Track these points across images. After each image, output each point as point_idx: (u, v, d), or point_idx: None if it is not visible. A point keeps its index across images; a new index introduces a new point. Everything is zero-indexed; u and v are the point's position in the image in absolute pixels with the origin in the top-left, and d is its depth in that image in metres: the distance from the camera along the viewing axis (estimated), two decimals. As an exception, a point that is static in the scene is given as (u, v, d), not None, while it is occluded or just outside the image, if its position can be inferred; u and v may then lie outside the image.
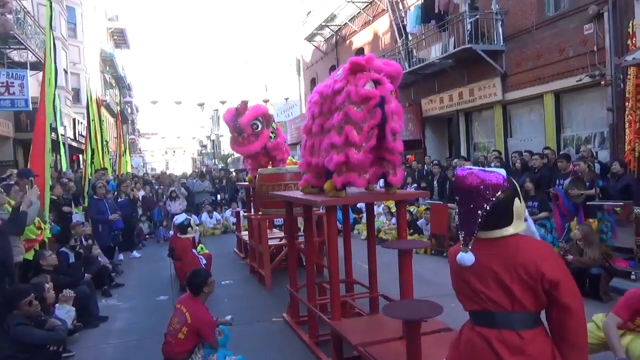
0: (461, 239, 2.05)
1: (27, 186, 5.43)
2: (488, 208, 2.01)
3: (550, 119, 10.99)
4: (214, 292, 4.12)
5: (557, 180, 7.50)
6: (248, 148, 8.23)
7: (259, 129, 8.17)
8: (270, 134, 8.33)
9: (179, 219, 7.79)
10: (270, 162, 8.47)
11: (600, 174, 7.65)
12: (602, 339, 3.52)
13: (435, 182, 11.21)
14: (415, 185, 11.61)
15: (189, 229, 7.41)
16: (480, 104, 13.06)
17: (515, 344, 1.99)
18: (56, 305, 4.82)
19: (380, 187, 4.90)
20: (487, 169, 2.18)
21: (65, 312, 4.78)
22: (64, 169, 11.72)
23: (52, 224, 7.01)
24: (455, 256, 2.10)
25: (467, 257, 2.02)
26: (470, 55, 12.28)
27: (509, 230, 2.07)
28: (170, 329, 3.90)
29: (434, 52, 13.86)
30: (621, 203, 6.61)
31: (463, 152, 13.93)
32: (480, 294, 2.05)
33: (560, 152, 9.48)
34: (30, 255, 5.52)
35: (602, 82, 9.25)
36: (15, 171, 6.55)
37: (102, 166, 14.06)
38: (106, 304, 6.67)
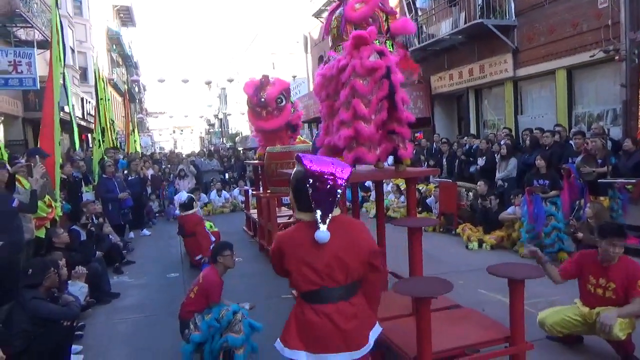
0: (318, 218, 2.25)
1: (32, 164, 5.45)
2: (343, 186, 2.31)
3: (562, 96, 10.82)
4: (231, 266, 4.21)
5: (570, 158, 7.42)
6: (272, 123, 8.13)
7: (283, 103, 8.14)
8: (292, 108, 8.37)
9: (182, 197, 7.88)
10: (282, 139, 8.42)
11: (612, 151, 7.54)
12: (580, 321, 3.83)
13: (444, 160, 11.14)
14: (426, 163, 11.56)
15: (194, 203, 7.47)
16: (490, 80, 12.87)
17: (350, 311, 2.31)
18: (69, 282, 4.89)
19: (389, 165, 4.87)
20: (333, 159, 2.50)
21: (78, 289, 4.86)
22: (76, 148, 11.75)
23: (63, 202, 7.07)
24: (288, 241, 2.36)
25: (325, 234, 2.24)
26: (481, 31, 12.05)
27: (338, 210, 2.37)
28: (187, 292, 4.18)
29: (444, 28, 13.61)
30: (633, 181, 6.53)
31: (473, 130, 13.80)
32: (322, 274, 2.27)
33: (572, 129, 9.35)
34: (41, 233, 5.58)
35: (617, 58, 9.05)
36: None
37: (112, 145, 14.11)
38: (118, 281, 6.77)
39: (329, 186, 2.27)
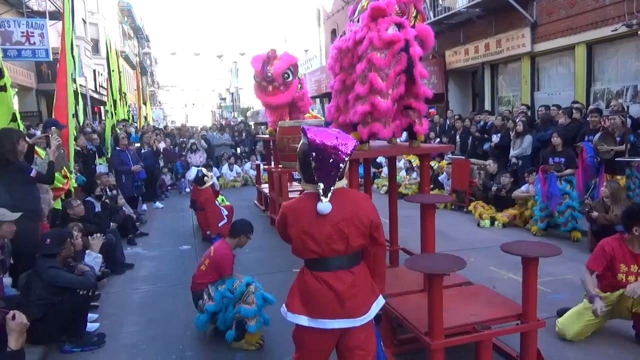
0: (320, 191, 2.30)
1: (49, 135, 5.49)
2: (346, 160, 2.33)
3: (581, 72, 10.55)
4: (242, 245, 4.30)
5: (586, 136, 7.29)
6: (278, 98, 8.04)
7: (290, 79, 8.02)
8: (299, 85, 8.24)
9: (192, 174, 7.86)
10: (289, 115, 8.37)
11: (630, 129, 7.38)
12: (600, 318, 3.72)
13: (457, 137, 11.02)
14: (438, 140, 11.44)
15: (205, 178, 7.49)
16: (507, 55, 12.59)
17: (348, 279, 2.37)
18: (86, 251, 4.97)
19: (402, 141, 4.81)
20: (339, 131, 2.46)
21: (93, 259, 4.92)
22: (80, 121, 11.78)
23: (78, 174, 7.14)
24: (292, 211, 2.42)
25: (327, 206, 2.29)
26: (499, 4, 11.74)
27: (344, 182, 2.42)
28: (198, 264, 4.25)
29: (461, 0, 13.27)
30: (652, 159, 6.40)
31: (487, 106, 13.58)
32: (321, 244, 2.33)
33: (590, 107, 9.16)
34: (57, 204, 5.65)
35: (639, 32, 8.78)
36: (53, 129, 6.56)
37: (124, 117, 14.16)
38: (131, 252, 6.87)
39: (331, 159, 2.29)
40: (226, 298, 3.87)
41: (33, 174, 4.51)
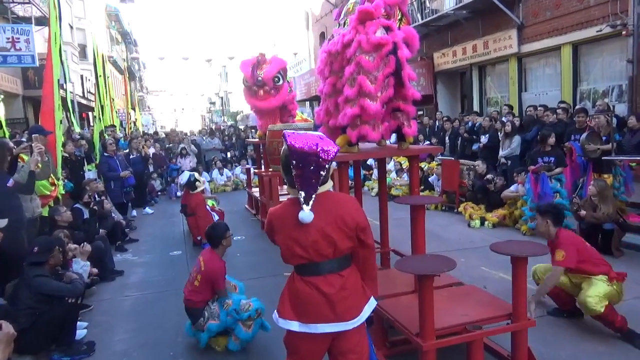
0: (302, 199, 2.27)
1: (33, 143, 5.43)
2: (327, 167, 2.29)
3: (567, 72, 10.69)
4: (230, 245, 4.21)
5: (573, 135, 7.36)
6: (269, 102, 8.03)
7: (280, 82, 8.02)
8: (289, 88, 8.26)
9: (184, 178, 7.84)
10: (280, 118, 8.38)
11: (616, 128, 7.47)
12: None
13: (447, 138, 11.08)
14: (427, 142, 11.49)
15: (197, 183, 7.45)
16: (495, 57, 12.72)
17: (338, 282, 2.36)
18: (74, 259, 4.91)
19: (392, 143, 4.83)
20: (321, 135, 2.41)
21: (80, 267, 4.87)
22: (75, 128, 11.67)
23: (65, 180, 7.06)
24: (277, 218, 2.42)
25: (308, 215, 2.26)
26: (485, 6, 11.86)
27: (329, 185, 2.39)
28: (189, 278, 4.11)
29: (448, 3, 13.38)
30: (638, 158, 6.48)
31: (476, 107, 13.69)
32: (309, 250, 2.32)
33: (577, 106, 9.26)
34: (45, 211, 5.59)
35: (624, 33, 8.91)
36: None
37: (112, 123, 14.06)
38: (121, 259, 6.82)
39: (312, 167, 2.26)
40: (232, 317, 3.85)
41: (10, 183, 4.46)
